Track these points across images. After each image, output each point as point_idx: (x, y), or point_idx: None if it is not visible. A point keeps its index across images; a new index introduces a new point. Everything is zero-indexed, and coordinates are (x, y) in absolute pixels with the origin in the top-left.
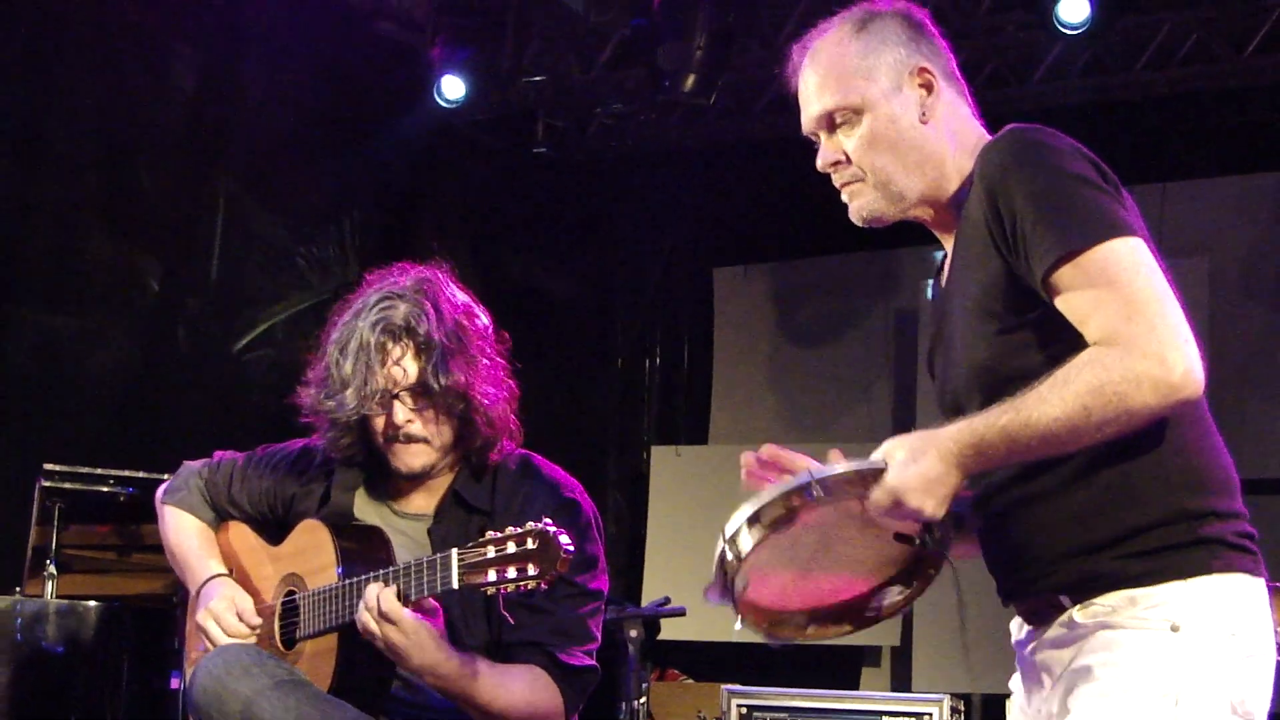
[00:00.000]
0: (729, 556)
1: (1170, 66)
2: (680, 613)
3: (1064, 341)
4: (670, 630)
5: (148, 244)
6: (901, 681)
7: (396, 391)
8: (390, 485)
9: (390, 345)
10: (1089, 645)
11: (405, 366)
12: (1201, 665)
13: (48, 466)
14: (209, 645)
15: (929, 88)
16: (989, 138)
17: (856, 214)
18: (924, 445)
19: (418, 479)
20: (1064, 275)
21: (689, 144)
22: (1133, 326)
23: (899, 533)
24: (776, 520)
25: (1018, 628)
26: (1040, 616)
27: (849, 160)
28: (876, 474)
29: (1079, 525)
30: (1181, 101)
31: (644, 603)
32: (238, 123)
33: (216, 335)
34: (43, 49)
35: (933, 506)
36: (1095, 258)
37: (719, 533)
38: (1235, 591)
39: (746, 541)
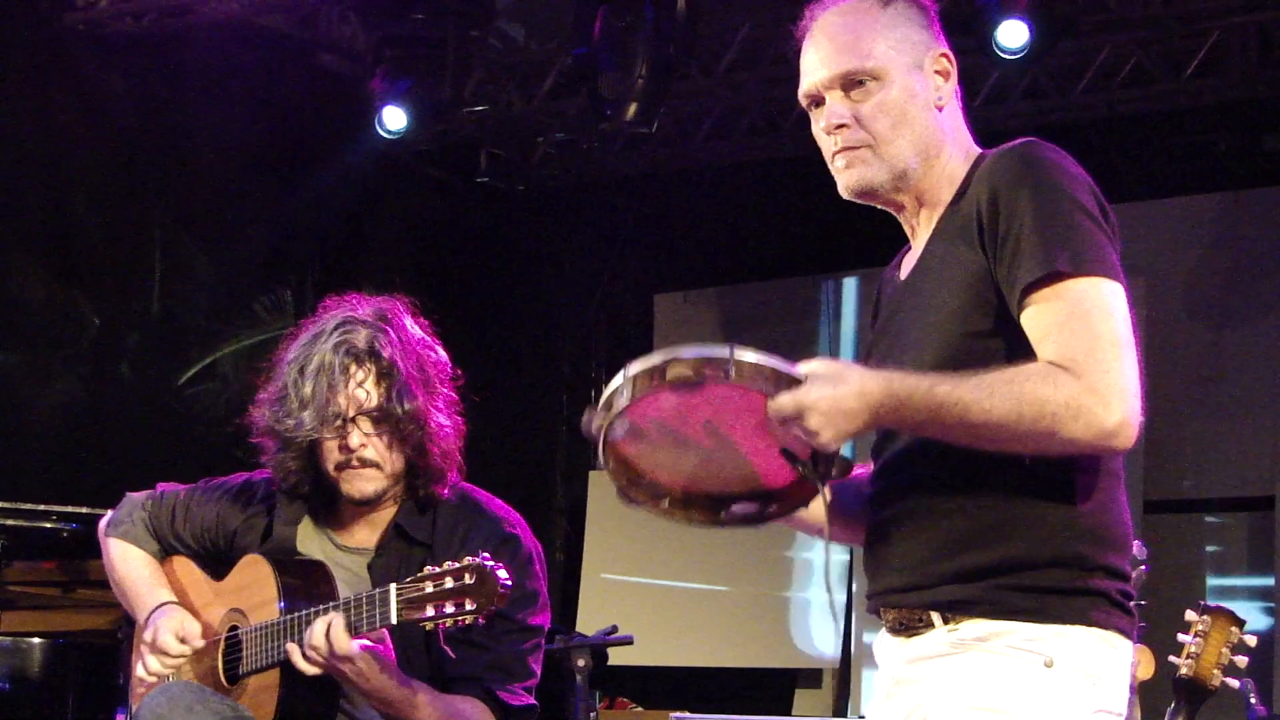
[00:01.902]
0: (621, 394)
1: (1109, 89)
2: (628, 641)
3: (1028, 360)
4: (617, 657)
5: (88, 280)
6: (840, 703)
7: (354, 415)
8: (333, 518)
9: (353, 368)
10: (959, 665)
11: (367, 389)
12: (1068, 703)
13: None
14: (146, 665)
15: (946, 75)
16: (978, 150)
17: (848, 183)
18: (849, 376)
19: (363, 508)
20: (1043, 293)
21: (631, 172)
22: (1090, 361)
23: (786, 449)
24: (681, 379)
25: (880, 639)
26: (906, 628)
27: (858, 124)
28: (793, 381)
29: (970, 547)
30: (1121, 124)
31: (580, 629)
32: (177, 157)
33: (159, 370)
34: None
35: (830, 435)
36: (1077, 287)
37: (623, 368)
38: (1106, 647)
39: (643, 387)
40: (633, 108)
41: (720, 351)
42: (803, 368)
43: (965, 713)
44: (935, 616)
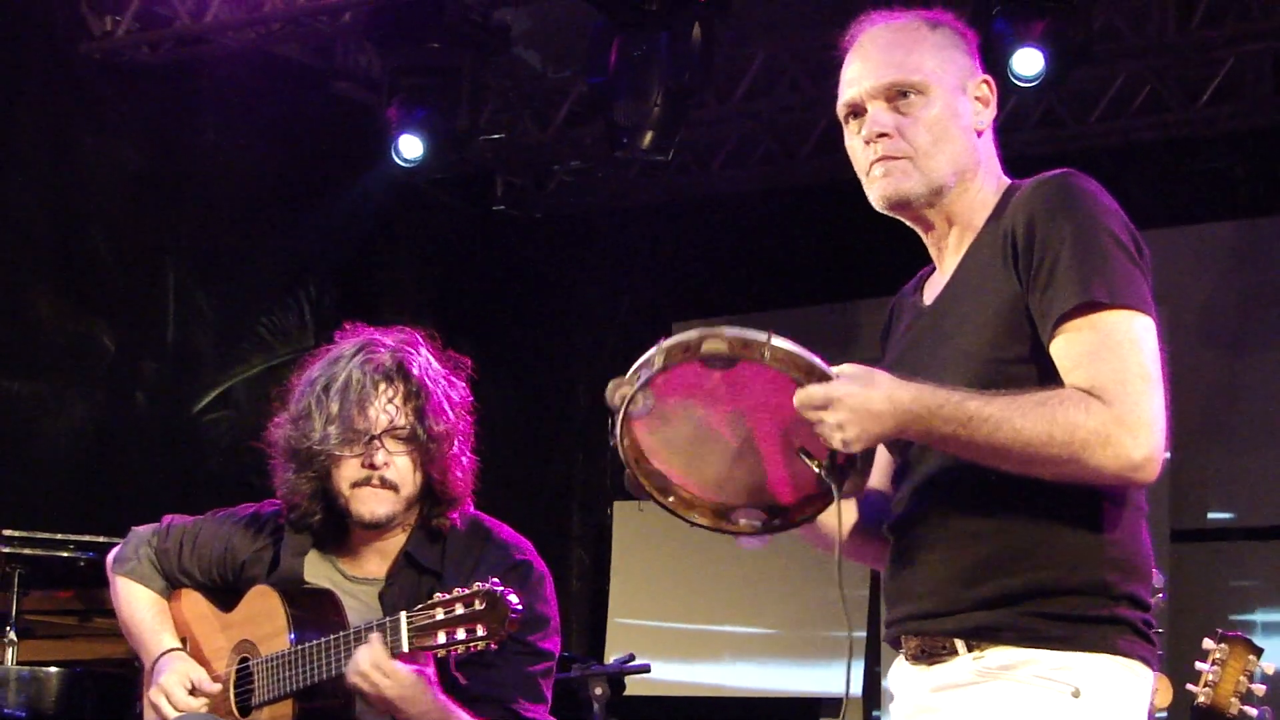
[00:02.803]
0: (652, 363)
1: (1125, 117)
2: (645, 669)
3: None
4: (636, 687)
5: (103, 309)
6: None
7: (381, 433)
8: (340, 549)
9: (382, 385)
10: (986, 695)
11: (395, 407)
12: None
13: (6, 532)
14: (161, 715)
15: (986, 102)
16: (1008, 180)
17: (883, 192)
18: (880, 380)
19: (372, 537)
20: (1076, 323)
21: (647, 200)
22: (1121, 393)
23: (804, 449)
24: (715, 354)
25: (898, 668)
26: (929, 656)
27: (900, 135)
28: (824, 376)
29: (997, 573)
30: (1137, 151)
31: (607, 659)
32: (193, 186)
33: (175, 398)
34: None
35: (852, 433)
36: (1110, 319)
37: (659, 341)
38: (1130, 676)
39: (675, 358)
40: (648, 136)
41: (758, 335)
42: (837, 369)
43: None
44: (960, 644)
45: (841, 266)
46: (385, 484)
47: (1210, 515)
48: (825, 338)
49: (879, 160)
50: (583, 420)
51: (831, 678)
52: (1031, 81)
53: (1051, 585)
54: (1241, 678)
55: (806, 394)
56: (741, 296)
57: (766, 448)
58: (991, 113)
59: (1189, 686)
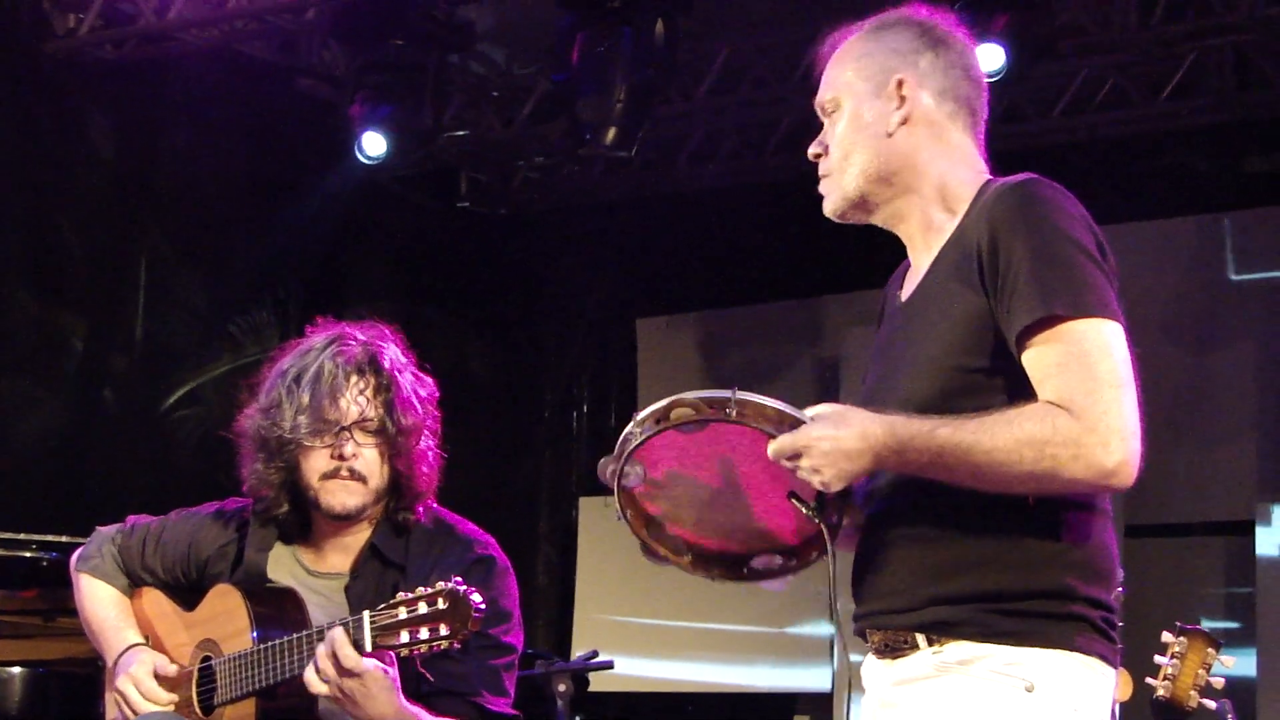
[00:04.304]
0: (631, 439)
1: (1088, 112)
2: (608, 665)
3: (1028, 399)
4: (603, 683)
5: (72, 305)
6: None
7: (351, 424)
8: (305, 544)
9: (354, 377)
10: (941, 689)
11: (364, 401)
12: None
13: None
14: (128, 712)
15: (902, 102)
16: (988, 175)
17: (824, 207)
18: (852, 418)
19: (338, 530)
20: (1042, 335)
21: (612, 196)
22: (1090, 402)
23: (793, 493)
24: (685, 420)
25: (867, 662)
26: (892, 650)
27: (828, 152)
28: (796, 423)
29: (958, 573)
30: (1100, 147)
31: (574, 655)
32: (159, 183)
33: (143, 396)
34: None
35: (830, 475)
36: (1076, 328)
37: (633, 415)
38: (1088, 672)
39: (650, 429)
40: (612, 132)
41: (723, 393)
42: (809, 411)
43: None
44: (920, 638)
45: (807, 262)
46: (354, 475)
47: (1171, 510)
48: (791, 333)
49: (821, 177)
50: (550, 418)
51: (803, 675)
52: (993, 77)
53: (1010, 588)
54: (1200, 671)
55: (777, 445)
56: (708, 292)
57: (763, 496)
58: (914, 112)
59: (1148, 680)
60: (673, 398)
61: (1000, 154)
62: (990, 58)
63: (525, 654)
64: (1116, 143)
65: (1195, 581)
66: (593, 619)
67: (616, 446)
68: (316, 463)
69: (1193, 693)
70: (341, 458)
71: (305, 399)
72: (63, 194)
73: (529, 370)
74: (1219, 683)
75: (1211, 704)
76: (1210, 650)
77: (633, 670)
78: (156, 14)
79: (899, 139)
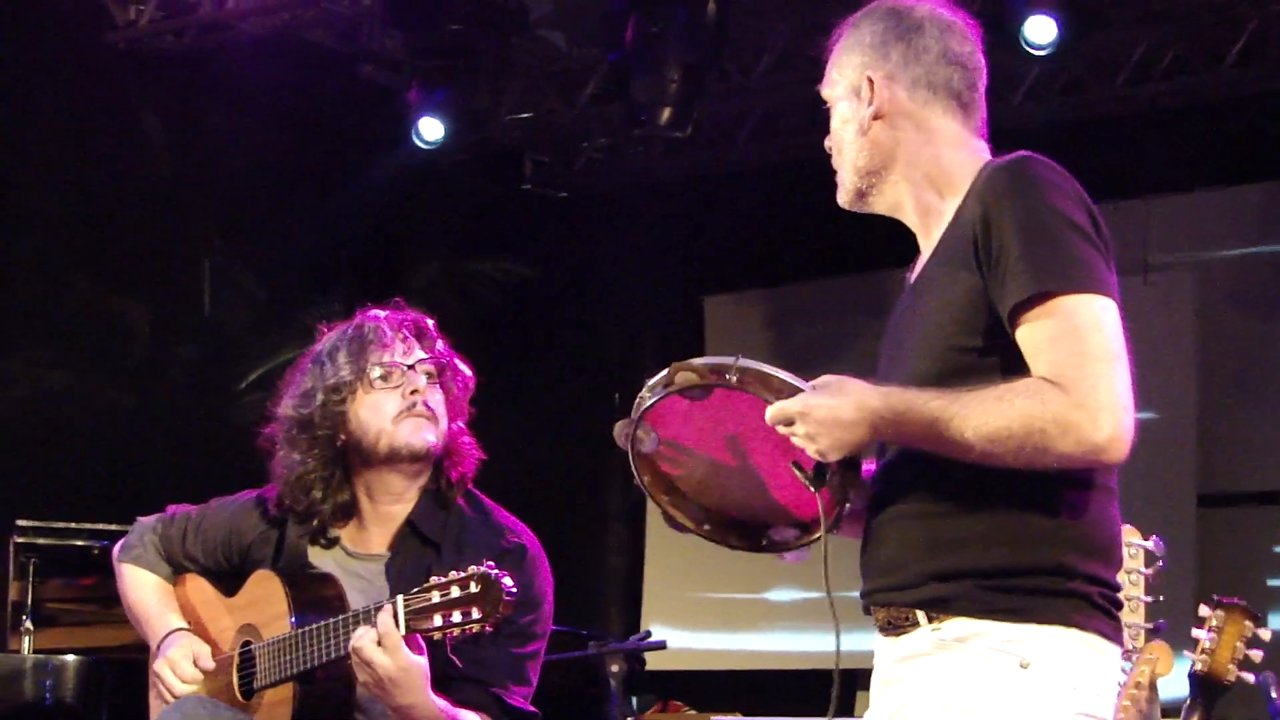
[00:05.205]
0: (641, 403)
1: (1150, 81)
2: (660, 646)
3: (1024, 376)
4: (670, 661)
5: (135, 294)
6: None
7: (413, 363)
8: (345, 527)
9: (400, 331)
10: (938, 666)
11: (418, 344)
12: (1043, 706)
13: (20, 522)
14: (165, 694)
15: (871, 100)
16: (987, 154)
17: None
18: (849, 389)
19: (389, 495)
20: (1034, 312)
21: (675, 175)
22: (1079, 376)
23: (796, 462)
24: (689, 384)
25: (876, 640)
26: (895, 627)
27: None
28: (795, 391)
29: (956, 550)
30: (1164, 116)
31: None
32: (220, 171)
33: (210, 382)
34: (14, 107)
35: (825, 443)
36: (1066, 304)
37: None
38: (1086, 649)
39: (657, 394)
40: (667, 112)
41: (726, 359)
42: (813, 381)
43: (938, 714)
44: (920, 615)
45: (872, 236)
46: (429, 410)
47: (1245, 479)
48: (857, 307)
49: None
50: (616, 397)
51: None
52: (1044, 49)
53: (1007, 565)
54: (1238, 644)
55: (774, 411)
56: (773, 269)
57: (771, 466)
58: (878, 106)
59: (1185, 653)
60: (678, 363)
61: (1066, 124)
62: (1041, 30)
63: (579, 635)
64: (1181, 112)
65: (1269, 549)
66: (663, 597)
67: (632, 410)
68: (384, 405)
69: (1230, 666)
70: (415, 390)
71: (347, 353)
72: (123, 184)
73: (596, 352)
74: (1257, 656)
75: (1250, 678)
76: (1248, 624)
77: (701, 645)
78: (215, 3)
79: (876, 133)
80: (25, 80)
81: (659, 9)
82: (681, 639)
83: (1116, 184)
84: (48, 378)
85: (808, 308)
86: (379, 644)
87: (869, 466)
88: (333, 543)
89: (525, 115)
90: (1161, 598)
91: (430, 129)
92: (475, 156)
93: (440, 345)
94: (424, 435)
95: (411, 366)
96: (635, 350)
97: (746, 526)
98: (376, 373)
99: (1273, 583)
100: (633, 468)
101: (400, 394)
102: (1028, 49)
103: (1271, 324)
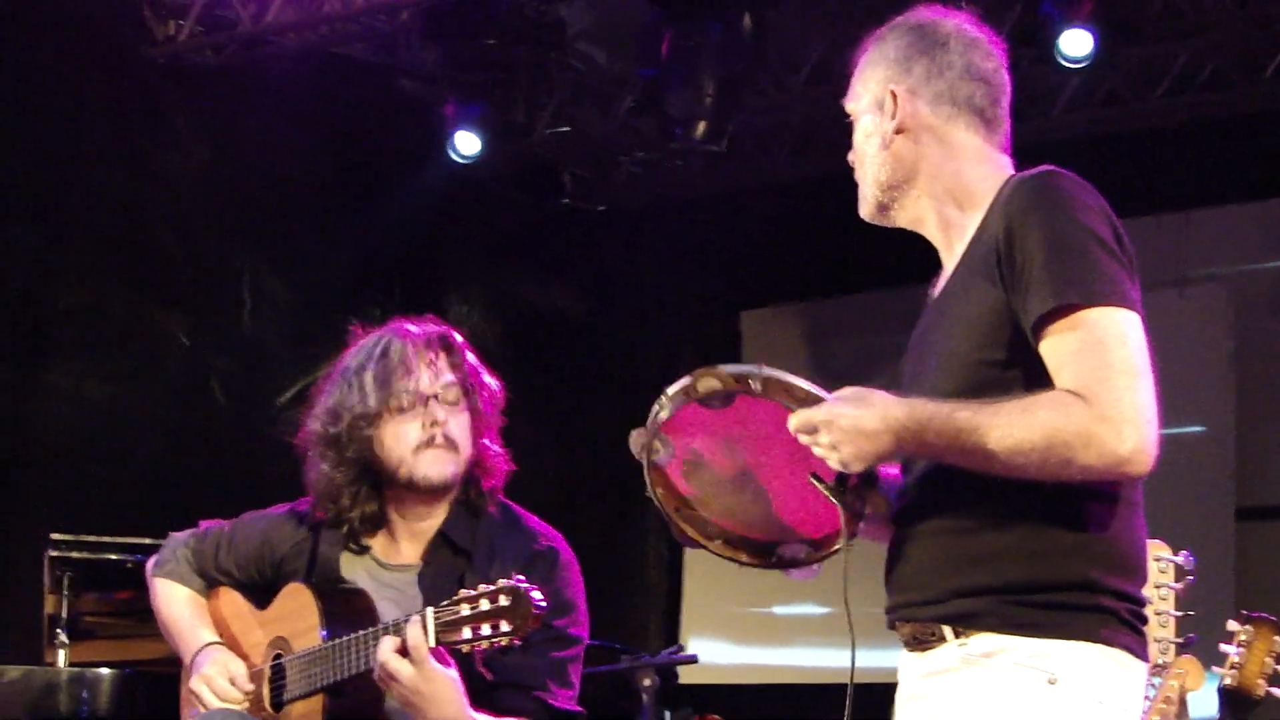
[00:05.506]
0: (660, 412)
1: (1188, 94)
2: (692, 660)
3: (1046, 388)
4: (708, 675)
5: (175, 307)
6: None
7: (435, 392)
8: (376, 539)
9: (426, 352)
10: (964, 681)
11: (442, 370)
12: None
13: (55, 536)
14: (201, 710)
15: (893, 114)
16: (1010, 169)
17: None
18: (874, 399)
19: (418, 512)
20: (1057, 325)
21: (713, 189)
22: (1103, 388)
23: (815, 474)
24: (711, 392)
25: (900, 656)
26: (921, 643)
27: None
28: (816, 400)
29: (982, 566)
30: (1202, 129)
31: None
32: (258, 185)
33: (250, 395)
34: (57, 123)
35: (849, 453)
36: (1090, 317)
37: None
38: (1113, 664)
39: (678, 401)
40: (702, 126)
41: (749, 368)
42: (837, 393)
43: None
44: (947, 630)
45: (910, 249)
46: (449, 442)
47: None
48: (895, 320)
49: None
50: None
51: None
52: (1080, 62)
53: (1033, 580)
54: (1268, 659)
55: (798, 419)
56: (811, 282)
57: (788, 478)
58: (901, 120)
59: (1214, 668)
60: (701, 369)
61: (1104, 136)
62: (1077, 43)
63: (612, 648)
64: (1220, 124)
65: None
66: (701, 610)
67: (648, 419)
68: (407, 435)
69: (1260, 681)
70: (435, 423)
71: (374, 377)
72: (164, 198)
73: (634, 365)
74: None
75: None
76: (1278, 639)
77: (739, 659)
78: (254, 19)
79: (899, 148)
80: (67, 97)
81: (694, 23)
82: (720, 652)
83: (1155, 197)
84: (88, 391)
85: (845, 322)
86: (404, 655)
87: (888, 470)
88: (364, 550)
89: (563, 129)
90: (1192, 613)
91: (466, 143)
92: (514, 170)
93: (470, 360)
94: (442, 468)
95: (435, 396)
96: (673, 362)
97: (757, 543)
98: (398, 401)
99: None
100: (646, 479)
101: (421, 425)
102: (1063, 62)
103: None
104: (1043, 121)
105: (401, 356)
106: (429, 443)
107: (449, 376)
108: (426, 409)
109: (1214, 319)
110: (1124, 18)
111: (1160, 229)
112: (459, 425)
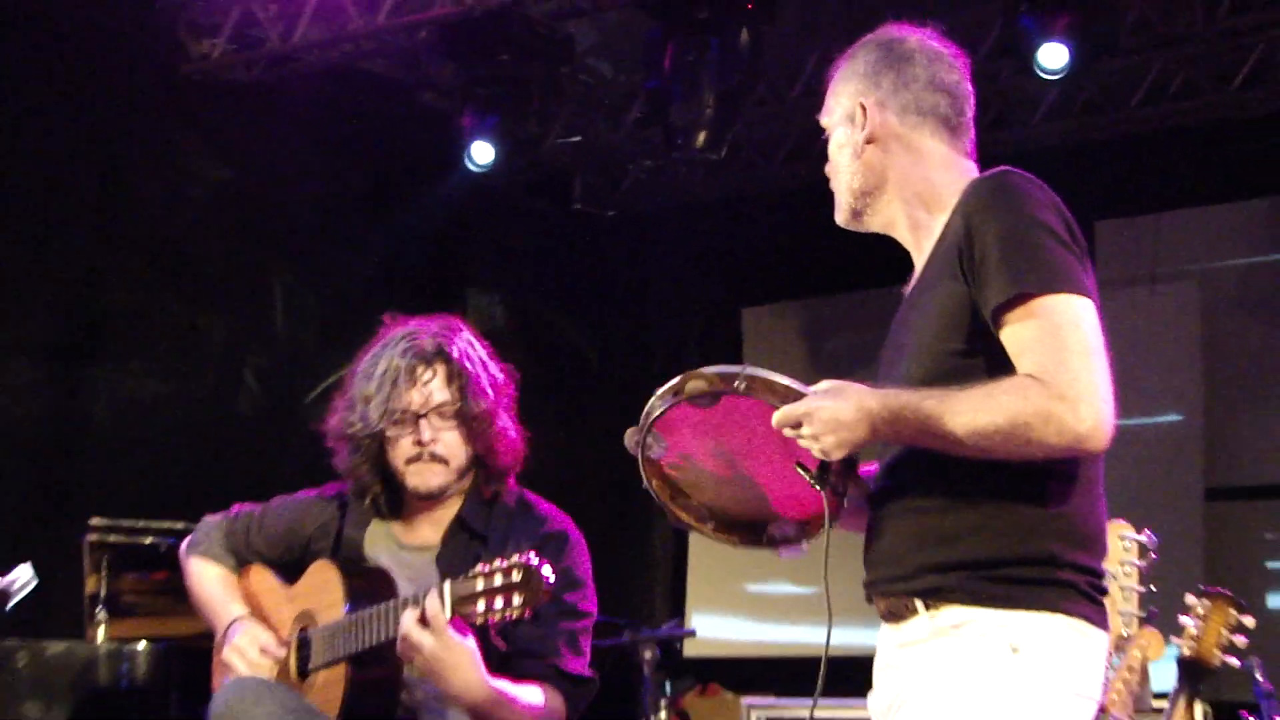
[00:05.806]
0: (651, 411)
1: (1162, 103)
2: (690, 633)
3: (1008, 374)
4: (711, 648)
5: (212, 309)
6: None
7: (425, 412)
8: (399, 519)
9: (420, 369)
10: (933, 651)
11: (434, 388)
12: (1035, 686)
13: (93, 521)
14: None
15: (864, 125)
16: (974, 173)
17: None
18: (850, 391)
19: (428, 505)
20: (1015, 313)
21: (716, 194)
22: (1060, 370)
23: (800, 463)
24: (699, 394)
25: (879, 629)
26: (895, 616)
27: None
28: (797, 396)
29: (949, 542)
30: (1175, 135)
31: (689, 624)
32: (289, 194)
33: (279, 393)
34: (109, 137)
35: (830, 443)
36: (1045, 304)
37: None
38: (1073, 633)
39: (668, 401)
40: (702, 136)
41: (734, 368)
42: (814, 387)
43: (934, 697)
44: (918, 603)
45: (897, 253)
46: (435, 458)
47: (1251, 473)
48: (883, 318)
49: None
50: None
51: None
52: (1058, 74)
53: (997, 555)
54: (1224, 631)
55: (781, 414)
56: (809, 281)
57: (775, 468)
58: (870, 130)
59: (1172, 639)
60: (689, 372)
61: (1080, 144)
62: (1054, 56)
63: (615, 623)
64: (1191, 131)
65: (1272, 538)
66: (706, 586)
67: (641, 418)
68: (401, 449)
69: (1216, 651)
70: (420, 443)
71: (377, 394)
72: (201, 206)
73: (641, 359)
74: (1242, 641)
75: (1235, 662)
76: (1233, 611)
77: (742, 634)
78: (283, 38)
79: (870, 156)
80: (113, 112)
81: (694, 39)
82: (723, 627)
83: (1129, 200)
84: (132, 386)
85: (840, 318)
86: (423, 624)
87: (867, 468)
88: (387, 534)
89: (574, 139)
90: (1155, 588)
91: (482, 152)
92: (529, 179)
93: (469, 367)
94: (429, 480)
95: (423, 415)
96: (679, 356)
97: (748, 525)
98: (392, 420)
99: (1272, 565)
100: (641, 472)
101: (412, 441)
102: (1042, 74)
103: (1275, 328)
104: (1024, 130)
105: (395, 378)
106: (417, 458)
107: (440, 396)
108: (417, 427)
109: (1185, 313)
110: (1099, 32)
111: (1134, 230)
112: (449, 439)
